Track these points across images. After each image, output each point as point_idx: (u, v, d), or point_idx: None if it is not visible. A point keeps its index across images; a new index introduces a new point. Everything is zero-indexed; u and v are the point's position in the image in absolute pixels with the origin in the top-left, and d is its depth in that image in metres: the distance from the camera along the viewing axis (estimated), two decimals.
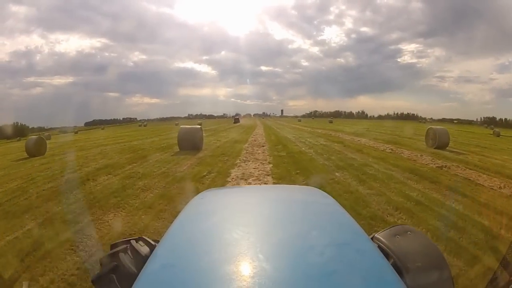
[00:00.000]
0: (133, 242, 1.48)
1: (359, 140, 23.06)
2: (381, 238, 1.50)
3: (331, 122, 70.41)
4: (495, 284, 3.21)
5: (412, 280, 1.30)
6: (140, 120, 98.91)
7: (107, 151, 19.30)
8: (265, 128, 41.16)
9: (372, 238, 1.48)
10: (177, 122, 75.09)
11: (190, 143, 17.44)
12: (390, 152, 16.81)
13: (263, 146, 18.58)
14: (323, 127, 44.00)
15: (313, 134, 29.25)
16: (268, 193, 2.18)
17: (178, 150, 17.39)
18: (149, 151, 18.24)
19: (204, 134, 31.77)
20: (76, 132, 56.70)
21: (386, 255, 1.36)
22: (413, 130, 36.87)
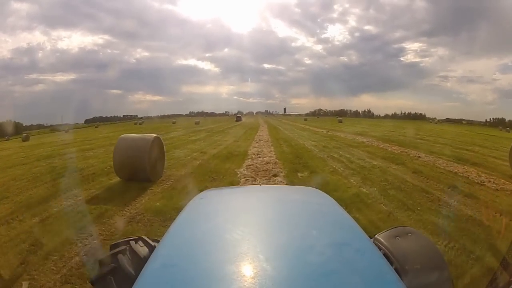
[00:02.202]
0: (132, 243, 1.45)
1: (418, 157, 14.36)
2: (381, 239, 1.44)
3: (340, 122, 61.78)
4: (495, 284, 2.92)
5: (411, 281, 1.26)
6: (140, 118, 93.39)
7: (19, 179, 10.96)
8: (270, 130, 32.33)
9: (372, 239, 1.43)
10: (174, 121, 68.86)
11: (135, 169, 8.80)
12: (498, 190, 9.00)
13: (274, 175, 9.61)
14: (339, 129, 35.33)
15: (338, 142, 20.44)
16: (268, 194, 2.01)
17: (119, 179, 8.97)
18: (71, 180, 9.75)
19: (193, 138, 23.43)
20: (66, 131, 50.42)
21: (386, 256, 1.33)
22: (447, 134, 32.26)
